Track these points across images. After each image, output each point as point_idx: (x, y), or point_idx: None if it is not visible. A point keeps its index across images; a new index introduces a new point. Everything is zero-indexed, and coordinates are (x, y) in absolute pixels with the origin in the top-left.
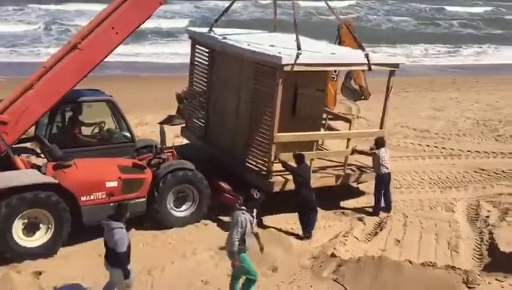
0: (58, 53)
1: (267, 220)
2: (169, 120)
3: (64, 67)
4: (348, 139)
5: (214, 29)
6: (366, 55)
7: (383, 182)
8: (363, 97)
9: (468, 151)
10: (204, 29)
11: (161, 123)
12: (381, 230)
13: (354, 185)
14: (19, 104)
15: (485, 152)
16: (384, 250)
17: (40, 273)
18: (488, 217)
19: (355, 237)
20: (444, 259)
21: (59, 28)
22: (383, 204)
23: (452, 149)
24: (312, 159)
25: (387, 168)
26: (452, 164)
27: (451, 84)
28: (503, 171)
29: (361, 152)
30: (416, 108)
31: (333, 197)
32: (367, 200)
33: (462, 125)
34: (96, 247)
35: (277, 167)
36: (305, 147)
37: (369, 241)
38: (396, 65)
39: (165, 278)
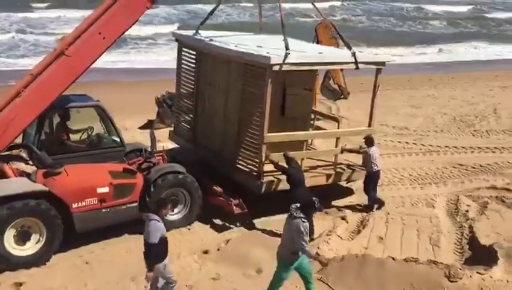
0: (44, 60)
1: (250, 221)
2: (149, 125)
3: (51, 74)
4: (337, 138)
5: (199, 31)
6: (353, 54)
7: (372, 180)
8: (342, 96)
9: (446, 147)
10: (190, 32)
11: (141, 128)
12: (363, 228)
13: (342, 184)
14: (6, 113)
15: (463, 147)
16: (367, 248)
17: (20, 284)
18: (467, 211)
19: (339, 236)
20: (426, 254)
21: (31, 36)
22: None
23: (431, 145)
24: (302, 159)
25: (377, 165)
26: (431, 160)
27: (428, 82)
28: (481, 166)
29: (350, 151)
30: (395, 106)
31: (315, 196)
32: (349, 199)
33: (439, 121)
34: (83, 254)
35: (268, 167)
36: (295, 146)
37: (352, 239)
38: (383, 63)
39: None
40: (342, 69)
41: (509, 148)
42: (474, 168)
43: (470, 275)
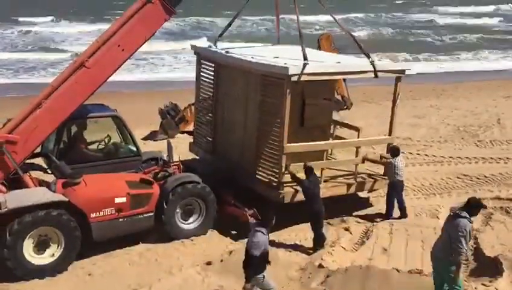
0: (65, 71)
1: None
2: (153, 136)
3: (71, 85)
4: (357, 148)
5: (217, 44)
6: (372, 63)
7: (396, 190)
8: (345, 107)
9: (450, 157)
10: (208, 44)
11: (144, 139)
12: (367, 239)
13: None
14: (27, 124)
15: (467, 158)
16: (372, 259)
17: None
18: (472, 222)
19: (342, 247)
20: (430, 266)
21: None
22: (394, 215)
23: (434, 156)
24: (323, 169)
25: (401, 176)
26: (435, 170)
27: (431, 92)
28: (485, 176)
29: (372, 161)
30: (398, 116)
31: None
32: (352, 210)
33: (443, 131)
34: (85, 266)
35: (287, 177)
36: (315, 156)
37: (356, 250)
38: (403, 71)
39: None
40: (344, 80)
41: None
42: (478, 178)
43: (474, 286)
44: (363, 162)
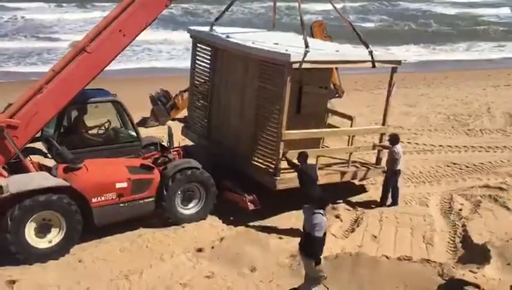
0: (66, 56)
1: (244, 219)
2: (143, 122)
3: (72, 70)
4: (351, 136)
5: (214, 28)
6: (370, 53)
7: (395, 178)
8: (337, 95)
9: (440, 146)
10: (205, 28)
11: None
12: (357, 226)
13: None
14: (28, 108)
15: (457, 146)
16: (361, 246)
17: (13, 282)
18: (461, 210)
19: (333, 234)
20: (419, 253)
21: None
22: (390, 199)
23: (425, 144)
24: (318, 156)
25: (400, 164)
26: (425, 158)
27: (422, 81)
28: (474, 165)
29: (382, 146)
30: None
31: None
32: (343, 197)
33: (433, 120)
34: (76, 252)
35: (284, 164)
36: (312, 144)
37: (346, 237)
38: (399, 62)
39: (144, 282)
40: (337, 68)
41: (503, 147)
42: (467, 167)
43: (463, 273)
44: (373, 148)
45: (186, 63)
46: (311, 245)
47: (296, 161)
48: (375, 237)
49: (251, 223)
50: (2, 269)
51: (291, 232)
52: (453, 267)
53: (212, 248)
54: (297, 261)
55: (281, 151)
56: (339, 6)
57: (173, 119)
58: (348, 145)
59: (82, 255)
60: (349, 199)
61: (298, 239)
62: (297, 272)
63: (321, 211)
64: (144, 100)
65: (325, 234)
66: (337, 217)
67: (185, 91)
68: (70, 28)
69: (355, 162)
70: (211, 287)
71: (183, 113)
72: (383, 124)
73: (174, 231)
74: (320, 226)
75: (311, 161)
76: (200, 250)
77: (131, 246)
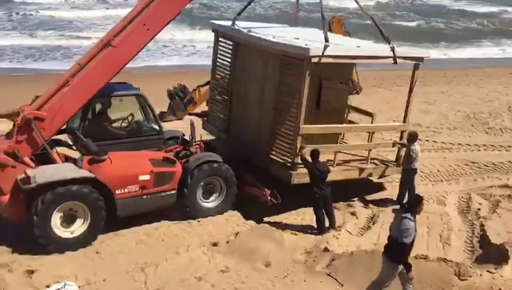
0: (91, 50)
1: (259, 215)
2: (161, 117)
3: (98, 64)
4: (370, 133)
5: (236, 22)
6: (392, 49)
7: (411, 177)
8: (354, 92)
9: (459, 144)
10: (227, 22)
11: None
12: (373, 224)
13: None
14: (55, 101)
15: (476, 145)
16: (377, 244)
17: (32, 272)
18: (479, 209)
19: (348, 231)
20: (436, 252)
21: None
22: (406, 197)
23: (443, 142)
24: (336, 152)
25: (418, 162)
26: (443, 157)
27: (442, 78)
28: (494, 164)
29: (400, 144)
30: None
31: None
32: (359, 194)
33: (453, 118)
34: (93, 244)
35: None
36: (330, 139)
37: (361, 235)
38: (421, 59)
39: (159, 275)
40: (355, 65)
41: None
42: (487, 166)
43: (480, 273)
44: (393, 145)
45: (201, 60)
46: (396, 250)
47: (308, 158)
48: None
49: (266, 219)
50: (21, 259)
51: (306, 228)
52: (470, 267)
53: (227, 242)
54: (312, 258)
55: (299, 145)
56: (371, 3)
57: (190, 114)
58: (368, 142)
59: (99, 246)
60: (366, 196)
61: (313, 236)
62: (312, 268)
63: (409, 214)
64: (161, 95)
65: (413, 240)
66: (353, 214)
67: (202, 86)
68: (93, 25)
69: (374, 159)
70: (225, 281)
71: (200, 107)
72: (404, 121)
73: (189, 224)
74: (409, 232)
75: (329, 156)
76: (215, 244)
77: (147, 239)
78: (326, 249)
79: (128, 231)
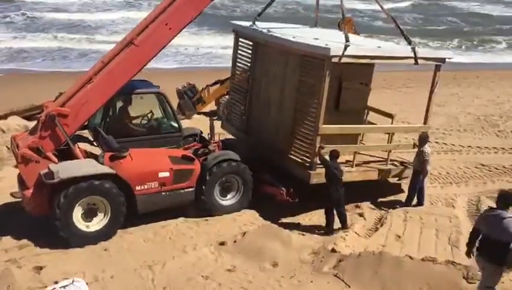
0: (114, 49)
1: (267, 214)
2: None
3: (120, 62)
4: (392, 134)
5: (256, 23)
6: (413, 49)
7: (421, 179)
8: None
9: (469, 146)
10: (247, 23)
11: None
12: (381, 226)
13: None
14: (78, 98)
15: (486, 147)
16: (385, 245)
17: (41, 268)
18: None
19: (356, 233)
20: (444, 254)
21: None
22: (415, 201)
23: (453, 145)
24: (355, 153)
25: (429, 164)
26: (453, 159)
27: (452, 80)
28: (504, 167)
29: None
30: (418, 104)
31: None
32: (368, 196)
33: (462, 120)
34: (100, 241)
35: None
36: (350, 140)
37: (369, 236)
38: (443, 60)
39: (166, 273)
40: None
41: None
42: (497, 169)
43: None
44: (413, 147)
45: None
46: (502, 253)
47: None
48: (399, 237)
49: (274, 219)
50: (29, 256)
51: (313, 229)
52: (479, 271)
53: (235, 241)
54: (319, 258)
55: (317, 145)
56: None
57: (199, 113)
58: (388, 143)
59: (107, 244)
60: (374, 198)
61: (321, 236)
62: (319, 269)
63: (510, 214)
64: (170, 94)
65: None
66: (361, 215)
67: (211, 85)
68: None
69: (393, 160)
70: (232, 280)
71: (209, 107)
72: (425, 122)
73: (197, 223)
74: None
75: (348, 157)
76: (222, 243)
77: (155, 237)
78: (333, 250)
79: (136, 229)
